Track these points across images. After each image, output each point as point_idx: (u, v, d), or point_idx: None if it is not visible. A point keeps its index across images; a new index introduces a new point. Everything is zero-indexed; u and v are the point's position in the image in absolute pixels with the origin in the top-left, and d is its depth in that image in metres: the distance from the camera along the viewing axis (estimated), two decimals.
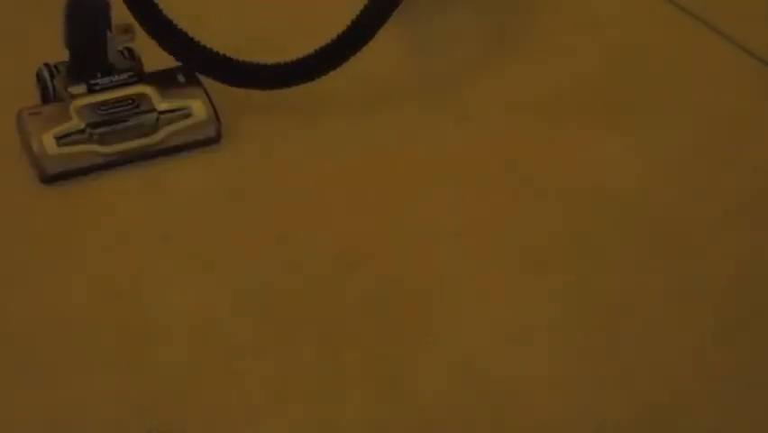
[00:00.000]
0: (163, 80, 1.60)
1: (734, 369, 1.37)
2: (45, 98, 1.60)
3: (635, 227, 1.52)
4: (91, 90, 1.57)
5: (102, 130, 1.54)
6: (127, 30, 1.56)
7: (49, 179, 1.53)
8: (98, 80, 1.58)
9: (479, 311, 1.41)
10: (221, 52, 1.58)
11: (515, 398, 1.32)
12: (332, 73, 1.60)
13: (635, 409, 1.32)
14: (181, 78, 1.61)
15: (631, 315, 1.42)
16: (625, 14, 1.86)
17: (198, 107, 1.58)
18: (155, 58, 1.62)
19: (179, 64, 1.62)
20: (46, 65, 1.60)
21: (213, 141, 1.59)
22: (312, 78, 1.60)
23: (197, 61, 1.58)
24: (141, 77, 1.60)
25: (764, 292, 1.45)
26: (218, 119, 1.58)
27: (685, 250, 1.49)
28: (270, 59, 1.59)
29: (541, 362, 1.36)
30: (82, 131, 1.54)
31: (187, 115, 1.57)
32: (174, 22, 1.56)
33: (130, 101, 1.57)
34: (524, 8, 1.86)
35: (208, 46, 1.58)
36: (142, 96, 1.58)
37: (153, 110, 1.57)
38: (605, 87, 1.72)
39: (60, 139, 1.53)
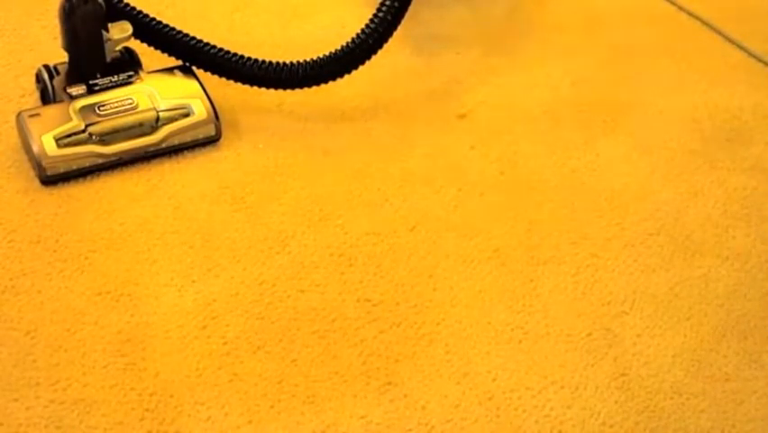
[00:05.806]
0: (162, 80, 1.60)
1: (734, 369, 1.37)
2: (45, 99, 1.60)
3: (635, 227, 1.52)
4: (90, 91, 1.57)
5: (101, 130, 1.54)
6: (123, 30, 1.56)
7: (49, 180, 1.52)
8: (97, 81, 1.58)
9: (478, 311, 1.41)
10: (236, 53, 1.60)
11: (514, 398, 1.32)
12: None
13: (634, 410, 1.32)
14: (180, 78, 1.61)
15: (631, 315, 1.42)
16: (625, 14, 1.86)
17: (198, 106, 1.58)
18: (154, 58, 1.62)
19: (178, 63, 1.62)
20: (45, 66, 1.60)
21: (213, 139, 1.59)
22: (329, 80, 1.61)
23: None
24: (141, 76, 1.60)
25: (765, 292, 1.45)
26: (217, 117, 1.58)
27: (685, 250, 1.49)
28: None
29: (540, 362, 1.36)
30: (82, 131, 1.54)
31: (187, 114, 1.57)
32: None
33: (129, 101, 1.57)
34: (523, 8, 1.86)
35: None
36: (142, 95, 1.58)
37: (153, 109, 1.57)
38: (605, 87, 1.72)
39: (60, 140, 1.53)
